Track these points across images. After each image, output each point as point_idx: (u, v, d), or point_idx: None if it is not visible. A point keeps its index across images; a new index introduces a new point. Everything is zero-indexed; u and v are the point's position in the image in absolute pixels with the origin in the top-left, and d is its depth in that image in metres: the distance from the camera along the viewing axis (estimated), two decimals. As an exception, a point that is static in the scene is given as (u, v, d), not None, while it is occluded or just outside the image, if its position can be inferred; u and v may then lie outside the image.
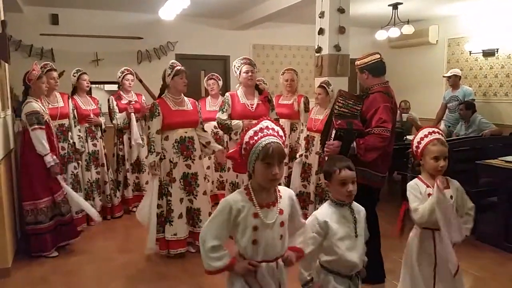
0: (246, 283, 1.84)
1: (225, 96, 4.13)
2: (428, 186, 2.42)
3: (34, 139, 3.68)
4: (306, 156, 4.53)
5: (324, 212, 2.13)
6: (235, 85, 7.54)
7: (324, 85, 4.45)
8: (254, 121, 1.92)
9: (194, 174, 3.83)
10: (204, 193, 3.92)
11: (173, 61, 3.95)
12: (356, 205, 2.17)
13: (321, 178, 4.35)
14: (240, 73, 4.07)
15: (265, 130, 1.83)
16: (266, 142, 1.79)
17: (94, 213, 4.03)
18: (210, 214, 3.81)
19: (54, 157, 3.74)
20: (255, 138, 1.81)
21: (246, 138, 1.83)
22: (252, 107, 4.05)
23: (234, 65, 4.14)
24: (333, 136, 2.95)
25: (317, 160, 4.40)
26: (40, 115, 3.73)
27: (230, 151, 1.93)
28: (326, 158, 3.06)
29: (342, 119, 2.95)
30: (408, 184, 2.50)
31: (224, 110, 4.04)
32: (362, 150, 2.92)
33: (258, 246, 1.82)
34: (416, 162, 2.53)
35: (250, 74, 4.04)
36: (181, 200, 3.80)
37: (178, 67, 3.82)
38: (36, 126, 3.69)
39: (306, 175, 4.55)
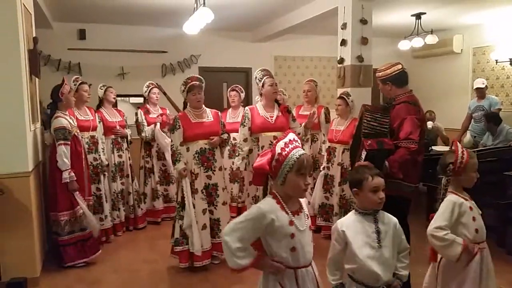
0: (281, 286, 1.87)
1: (244, 111, 4.15)
2: (466, 200, 2.41)
3: (58, 153, 3.82)
4: (328, 168, 4.51)
5: (345, 221, 2.15)
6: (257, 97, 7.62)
7: (344, 96, 4.44)
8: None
9: (215, 185, 3.87)
10: (224, 203, 3.93)
11: (189, 76, 3.99)
12: (384, 216, 2.15)
13: (345, 189, 4.32)
14: (263, 85, 4.08)
15: (294, 142, 1.88)
16: (300, 154, 1.84)
17: (96, 232, 4.08)
18: None
19: (72, 174, 3.83)
20: (287, 149, 1.85)
21: (278, 150, 1.86)
22: (272, 119, 4.05)
23: (256, 77, 4.16)
24: (363, 157, 2.90)
25: (339, 171, 4.37)
26: (66, 130, 3.86)
27: (257, 162, 1.93)
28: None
29: (372, 138, 2.91)
30: (448, 199, 2.40)
31: (245, 124, 4.07)
32: (396, 168, 2.88)
33: (298, 253, 1.87)
34: (451, 178, 2.46)
35: (275, 87, 4.08)
36: (204, 211, 3.83)
37: (191, 83, 3.86)
38: (62, 142, 3.83)
39: (328, 186, 4.53)
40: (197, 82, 3.89)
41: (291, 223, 1.85)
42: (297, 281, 1.88)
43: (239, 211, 5.28)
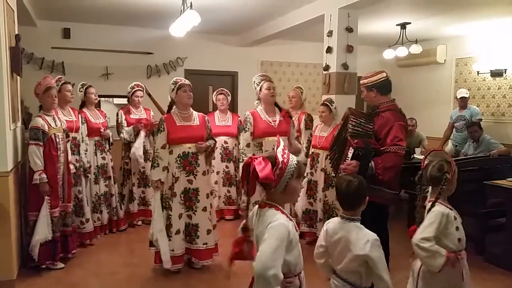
0: None
1: (246, 115, 4.12)
2: (451, 209, 2.41)
3: (29, 153, 3.75)
4: (312, 173, 4.52)
5: (367, 231, 2.15)
6: (242, 101, 7.64)
7: (327, 103, 4.49)
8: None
9: (195, 190, 3.81)
10: (204, 209, 3.85)
11: (176, 78, 3.98)
12: None
13: (328, 195, 4.34)
14: (260, 89, 4.07)
15: (286, 149, 1.91)
16: (296, 160, 1.88)
17: (35, 253, 3.73)
18: (209, 231, 3.83)
19: (43, 175, 3.72)
20: (285, 157, 1.86)
21: (280, 158, 1.84)
22: (274, 124, 4.03)
23: (254, 81, 4.14)
24: (350, 155, 2.93)
25: (323, 177, 4.39)
26: (39, 131, 3.75)
27: (262, 173, 1.79)
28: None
29: (358, 138, 2.94)
30: (437, 210, 2.36)
31: (247, 129, 4.04)
32: (381, 169, 2.91)
33: (300, 258, 1.89)
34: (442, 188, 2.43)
35: (272, 90, 4.05)
36: (180, 215, 3.79)
37: (181, 82, 3.86)
38: (32, 142, 3.73)
39: (311, 192, 4.54)
40: (187, 81, 3.90)
41: (296, 229, 1.88)
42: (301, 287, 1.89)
43: (238, 214, 5.43)
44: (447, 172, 2.35)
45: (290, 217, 1.87)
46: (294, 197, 1.95)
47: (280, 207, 1.86)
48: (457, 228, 2.38)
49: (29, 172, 3.82)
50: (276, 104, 4.16)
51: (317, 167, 4.47)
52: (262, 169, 1.78)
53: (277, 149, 1.88)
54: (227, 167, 5.43)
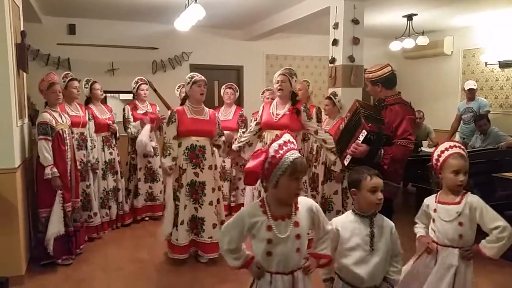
0: None
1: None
2: (435, 201, 2.45)
3: (38, 148, 3.76)
4: (315, 166, 4.52)
5: (341, 219, 2.14)
6: (248, 95, 7.63)
7: (331, 96, 4.47)
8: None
9: (202, 183, 3.85)
10: (210, 203, 3.87)
11: (193, 73, 4.05)
12: (380, 219, 2.12)
13: (325, 188, 4.32)
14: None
15: (288, 144, 1.84)
16: (294, 157, 1.79)
17: (50, 248, 3.75)
18: (215, 225, 3.86)
19: (55, 170, 3.73)
20: (281, 152, 1.80)
21: (271, 152, 1.82)
22: (276, 117, 3.93)
23: (274, 77, 4.06)
24: (361, 138, 2.88)
25: (323, 170, 4.38)
26: (47, 126, 3.76)
27: (249, 165, 1.89)
28: (347, 158, 2.99)
29: (372, 122, 2.89)
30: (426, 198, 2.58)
31: (255, 119, 4.19)
32: (388, 159, 2.88)
33: (272, 258, 1.84)
34: (435, 177, 2.51)
35: (279, 83, 3.94)
36: (185, 206, 3.84)
37: (197, 77, 3.93)
38: (42, 137, 3.74)
39: (314, 185, 4.55)
40: (203, 77, 3.97)
41: (269, 228, 1.82)
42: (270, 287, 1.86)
43: (231, 209, 5.34)
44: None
45: (268, 214, 1.85)
46: (286, 196, 1.84)
47: (265, 199, 1.89)
48: (433, 220, 2.47)
49: (38, 168, 3.83)
50: (292, 97, 4.01)
51: (319, 160, 4.47)
52: (252, 162, 1.87)
53: (272, 143, 1.86)
54: (224, 161, 5.38)
